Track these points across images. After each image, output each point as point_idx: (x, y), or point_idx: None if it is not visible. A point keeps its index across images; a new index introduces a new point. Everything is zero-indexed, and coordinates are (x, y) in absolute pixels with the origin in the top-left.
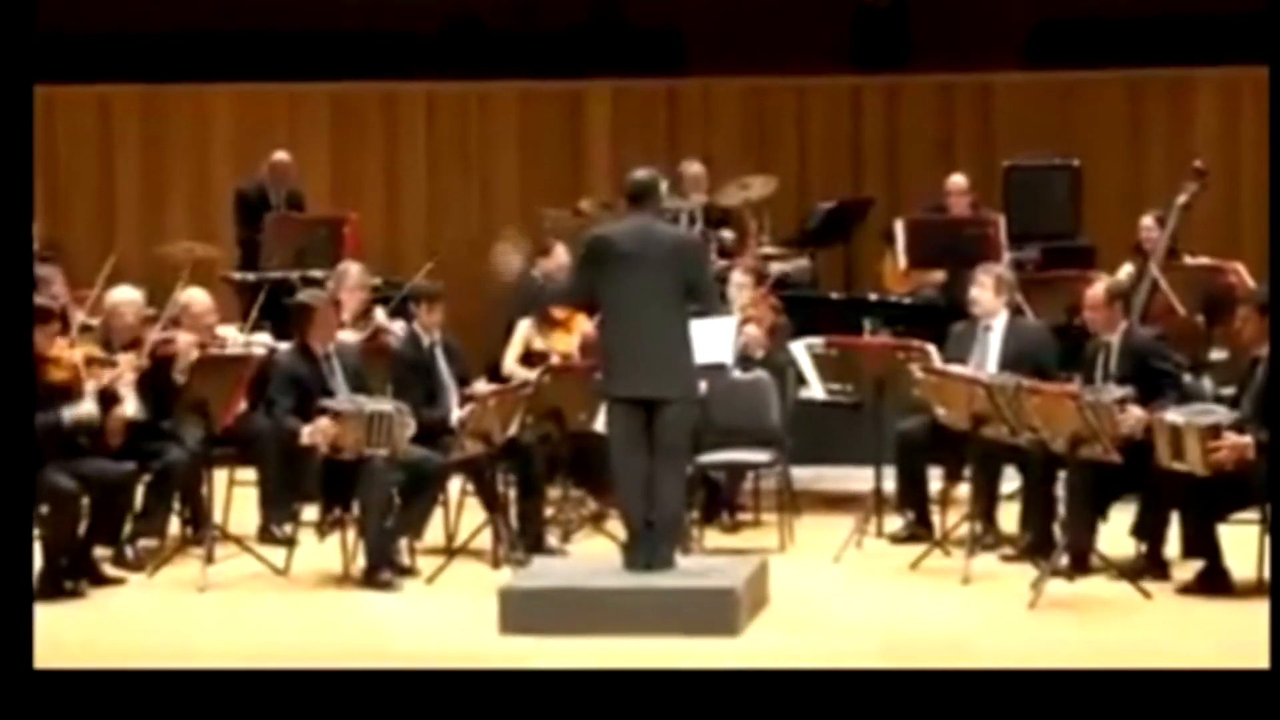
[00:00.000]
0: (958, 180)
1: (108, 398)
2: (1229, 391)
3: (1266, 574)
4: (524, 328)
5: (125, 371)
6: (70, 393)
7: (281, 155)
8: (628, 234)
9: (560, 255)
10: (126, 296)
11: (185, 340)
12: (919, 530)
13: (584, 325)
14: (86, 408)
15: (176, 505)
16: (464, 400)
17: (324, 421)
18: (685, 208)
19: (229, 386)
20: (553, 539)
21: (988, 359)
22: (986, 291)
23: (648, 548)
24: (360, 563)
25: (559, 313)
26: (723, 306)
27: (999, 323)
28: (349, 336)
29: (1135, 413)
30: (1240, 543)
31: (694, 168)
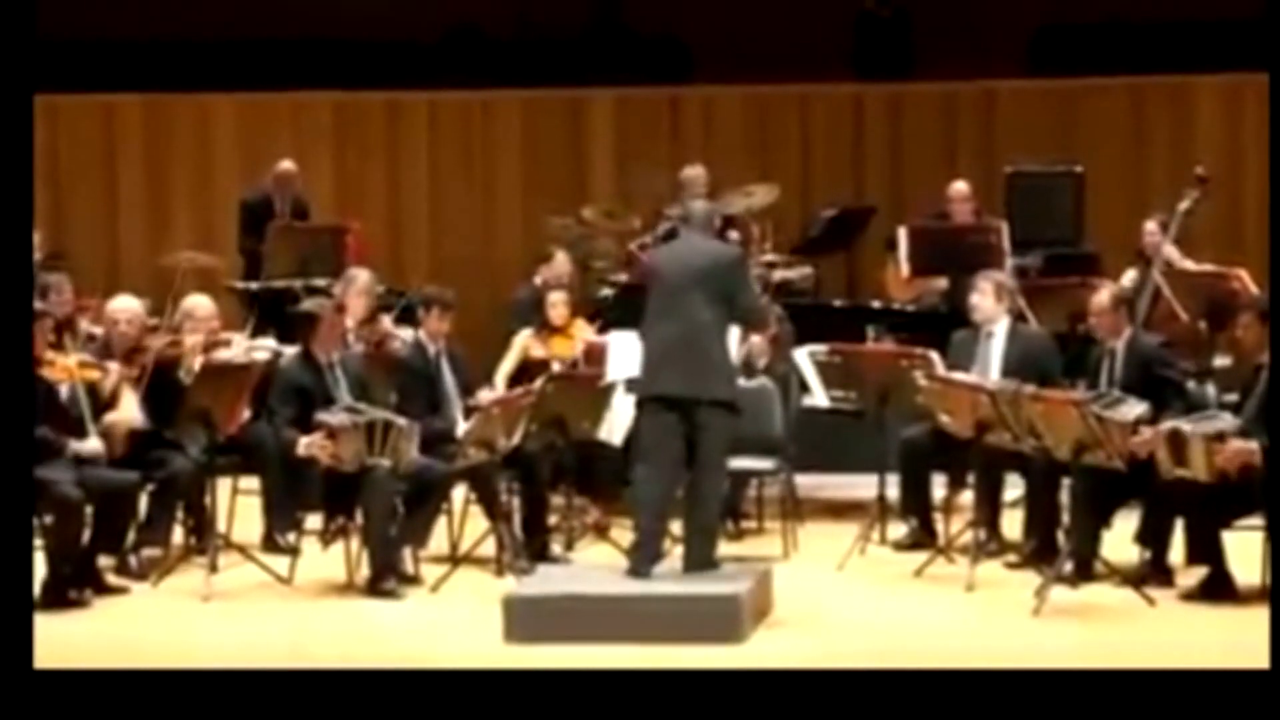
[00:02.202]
0: (960, 187)
1: (105, 406)
2: (1233, 398)
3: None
4: (523, 337)
5: (119, 380)
6: (60, 394)
7: (287, 165)
8: (668, 252)
9: (561, 263)
10: (126, 305)
11: (192, 340)
12: (922, 537)
13: (585, 332)
14: (91, 445)
15: (180, 514)
16: (469, 411)
17: (318, 438)
18: (732, 251)
19: (232, 395)
20: (556, 547)
21: (990, 366)
22: (987, 298)
23: (653, 551)
24: (364, 571)
25: (559, 320)
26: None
27: (1000, 329)
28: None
29: (1147, 435)
30: (1244, 549)
31: (691, 170)
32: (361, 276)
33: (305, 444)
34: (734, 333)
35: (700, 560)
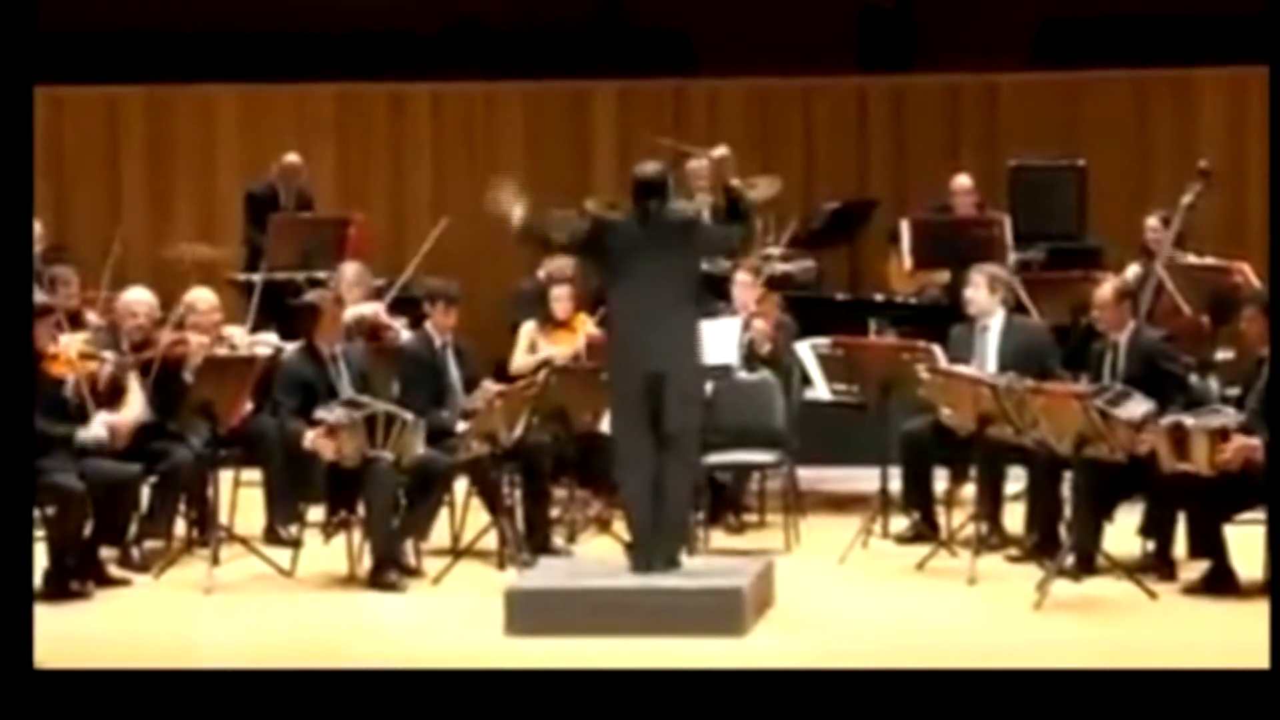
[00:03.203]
0: (963, 180)
1: (109, 397)
2: (1235, 391)
3: None
4: (528, 329)
5: (115, 369)
6: (65, 388)
7: (292, 157)
8: (633, 221)
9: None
10: (139, 297)
11: (196, 341)
12: (924, 531)
13: (588, 326)
14: (96, 431)
15: (182, 506)
16: (467, 414)
17: (320, 437)
18: (691, 209)
19: (235, 388)
20: (558, 540)
21: (987, 360)
22: (981, 291)
23: (653, 547)
24: (366, 564)
25: (563, 313)
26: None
27: (996, 322)
28: (352, 313)
29: (1149, 438)
30: (1246, 543)
31: (695, 162)
32: (349, 269)
33: (311, 438)
34: (735, 325)
35: (665, 558)
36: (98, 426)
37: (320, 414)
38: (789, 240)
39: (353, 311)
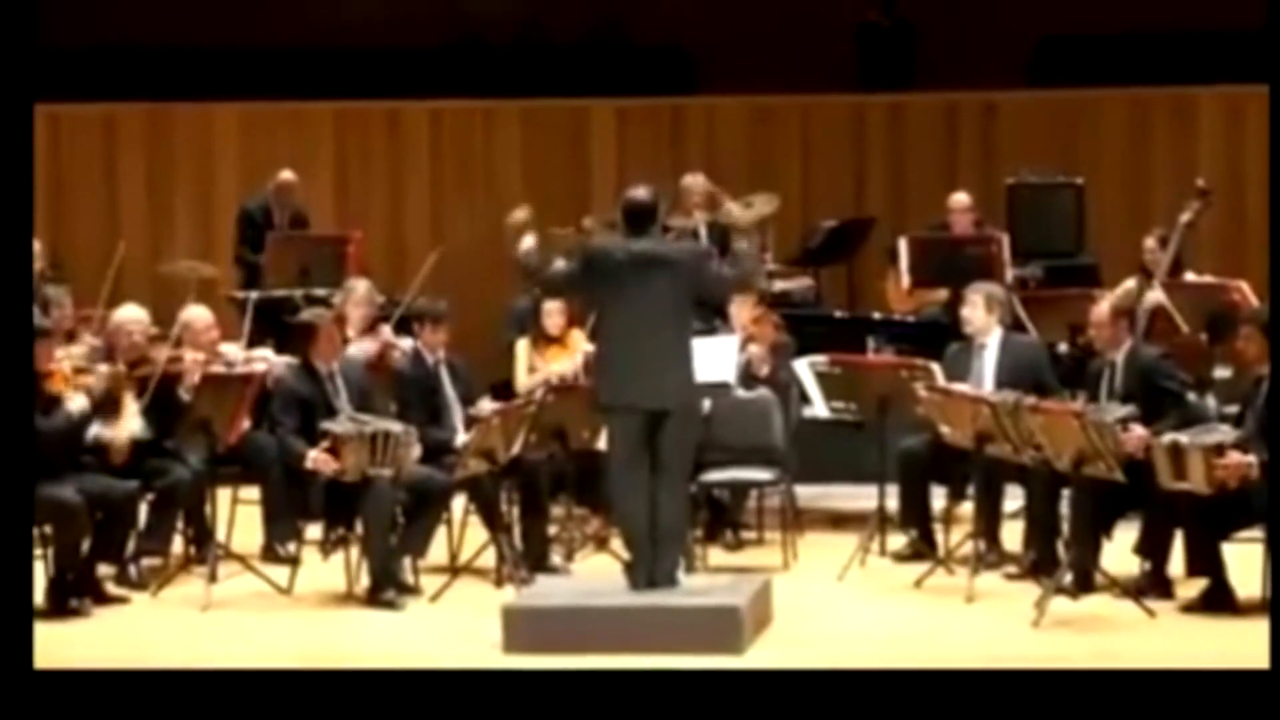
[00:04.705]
0: (961, 198)
1: (105, 407)
2: (1233, 410)
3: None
4: (523, 347)
5: (109, 381)
6: (60, 402)
7: (287, 175)
8: (628, 248)
9: None
10: (132, 315)
11: (192, 359)
12: (922, 548)
13: (582, 344)
14: (79, 403)
15: (180, 524)
16: (469, 422)
17: (323, 455)
18: (689, 225)
19: (233, 405)
20: (556, 558)
21: (984, 378)
22: (978, 310)
23: (650, 564)
24: (364, 581)
25: (554, 329)
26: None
27: (993, 340)
28: (356, 350)
29: (1139, 432)
30: (1244, 561)
31: (689, 179)
32: (359, 287)
33: (312, 458)
34: (733, 343)
35: (664, 574)
36: (94, 429)
37: (326, 425)
38: (787, 258)
39: (358, 349)
